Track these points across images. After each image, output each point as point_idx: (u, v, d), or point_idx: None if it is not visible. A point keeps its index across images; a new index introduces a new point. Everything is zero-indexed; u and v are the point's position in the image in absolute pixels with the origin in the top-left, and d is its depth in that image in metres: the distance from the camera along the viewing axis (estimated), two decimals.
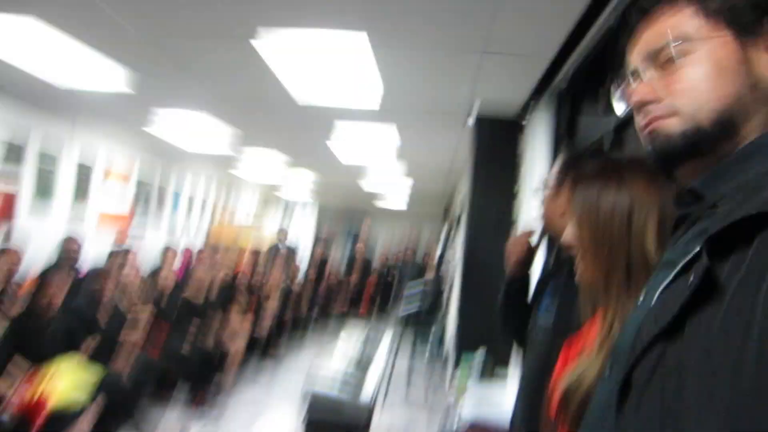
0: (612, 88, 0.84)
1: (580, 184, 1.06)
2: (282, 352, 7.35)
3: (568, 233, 1.04)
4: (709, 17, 0.70)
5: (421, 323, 8.07)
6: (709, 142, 0.69)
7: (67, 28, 3.25)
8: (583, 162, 1.46)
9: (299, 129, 5.32)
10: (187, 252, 7.36)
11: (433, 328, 6.99)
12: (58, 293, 3.22)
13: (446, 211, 10.71)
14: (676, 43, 0.71)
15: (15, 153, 4.86)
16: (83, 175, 5.85)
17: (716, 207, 0.65)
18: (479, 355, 2.62)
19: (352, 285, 9.94)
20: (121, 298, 4.32)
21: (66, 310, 3.51)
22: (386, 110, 4.29)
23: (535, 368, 1.38)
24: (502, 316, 1.65)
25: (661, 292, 0.66)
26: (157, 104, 5.16)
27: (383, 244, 12.55)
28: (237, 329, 5.89)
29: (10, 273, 4.28)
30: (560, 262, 1.40)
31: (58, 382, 2.98)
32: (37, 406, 2.92)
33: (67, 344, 3.39)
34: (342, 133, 5.25)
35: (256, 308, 6.67)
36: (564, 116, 3.61)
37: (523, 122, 4.27)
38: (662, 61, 0.73)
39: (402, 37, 3.03)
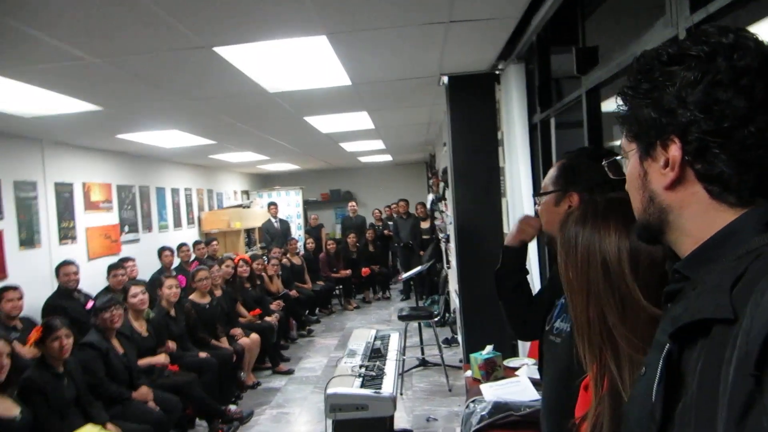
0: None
1: (564, 226, 1.06)
2: (295, 335, 7.31)
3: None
4: (628, 136, 0.77)
5: (425, 280, 8.21)
6: (660, 234, 0.75)
7: (20, 77, 3.15)
8: (579, 167, 1.44)
9: (273, 117, 5.24)
10: (185, 249, 7.34)
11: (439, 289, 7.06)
12: (66, 341, 3.20)
13: (432, 158, 10.67)
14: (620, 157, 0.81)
15: None
16: (64, 193, 5.75)
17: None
18: (487, 353, 2.60)
19: (351, 246, 9.93)
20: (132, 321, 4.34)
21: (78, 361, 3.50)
22: (357, 85, 4.22)
23: (557, 372, 1.38)
24: (499, 287, 1.67)
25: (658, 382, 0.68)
26: (128, 125, 5.07)
27: (374, 198, 12.57)
28: (246, 322, 5.95)
29: (16, 310, 4.28)
30: None
31: None
32: None
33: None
34: (318, 109, 5.18)
35: (261, 296, 6.70)
36: (538, 68, 3.57)
37: (497, 72, 4.22)
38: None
39: (362, 31, 2.95)
